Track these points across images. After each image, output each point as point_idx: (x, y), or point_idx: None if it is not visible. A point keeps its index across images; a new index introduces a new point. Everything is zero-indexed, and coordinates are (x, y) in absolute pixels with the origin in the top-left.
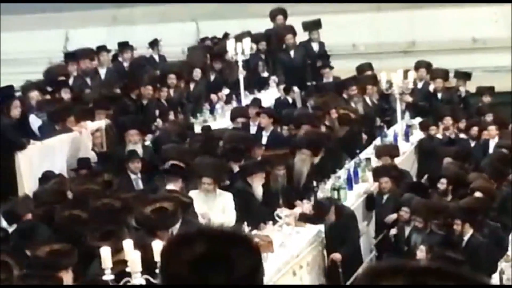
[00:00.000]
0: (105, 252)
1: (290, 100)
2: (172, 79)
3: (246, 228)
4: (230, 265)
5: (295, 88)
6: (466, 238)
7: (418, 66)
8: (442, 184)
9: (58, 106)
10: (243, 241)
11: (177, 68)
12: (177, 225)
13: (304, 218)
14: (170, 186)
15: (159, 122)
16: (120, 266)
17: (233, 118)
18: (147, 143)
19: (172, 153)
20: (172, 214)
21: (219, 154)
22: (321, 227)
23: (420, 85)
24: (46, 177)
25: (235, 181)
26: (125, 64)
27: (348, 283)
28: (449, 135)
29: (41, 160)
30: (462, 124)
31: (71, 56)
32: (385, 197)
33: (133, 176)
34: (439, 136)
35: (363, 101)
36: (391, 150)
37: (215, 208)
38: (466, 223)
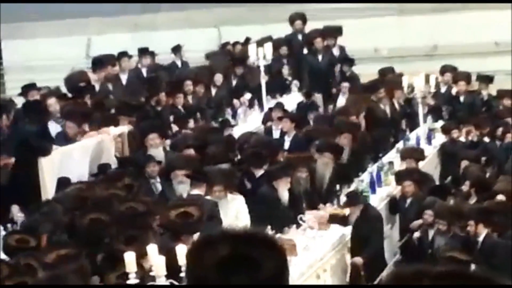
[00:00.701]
0: (130, 257)
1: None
2: (188, 85)
3: (270, 232)
4: (255, 267)
5: (316, 93)
6: (480, 238)
7: (443, 70)
8: (466, 186)
9: (80, 108)
10: (267, 242)
11: (194, 74)
12: None
13: (335, 220)
14: (194, 191)
15: (174, 128)
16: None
17: (264, 122)
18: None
19: (179, 163)
20: (198, 219)
21: (241, 159)
22: (344, 230)
23: (443, 88)
24: (61, 183)
25: (258, 186)
26: (144, 70)
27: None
28: (471, 138)
29: (63, 165)
30: (485, 130)
31: (99, 63)
32: (408, 200)
33: (151, 180)
34: (462, 139)
35: (390, 105)
36: (416, 153)
37: (229, 213)
38: (480, 224)
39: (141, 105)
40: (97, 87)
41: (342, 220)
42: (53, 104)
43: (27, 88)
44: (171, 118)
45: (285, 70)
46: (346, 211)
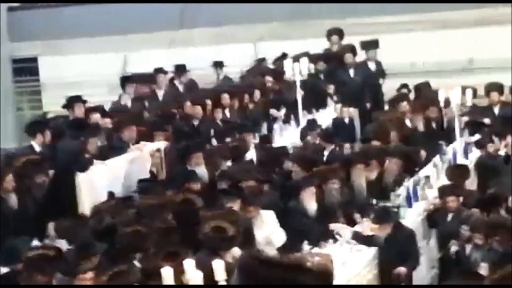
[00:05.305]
0: (167, 273)
1: (347, 120)
2: (226, 98)
3: (306, 246)
4: None
5: (351, 109)
6: None
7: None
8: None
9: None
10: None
11: (230, 87)
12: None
13: (358, 238)
14: (230, 205)
15: (214, 142)
16: None
17: (302, 138)
18: None
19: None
20: (232, 235)
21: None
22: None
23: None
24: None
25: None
26: (181, 87)
27: None
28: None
29: (100, 180)
30: None
31: (128, 80)
32: (450, 215)
33: (191, 197)
34: (501, 152)
35: (424, 119)
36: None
37: (265, 229)
38: None
39: (173, 115)
40: (129, 103)
41: (366, 240)
42: (97, 119)
43: (73, 101)
44: (211, 132)
45: (327, 88)
46: (374, 230)
